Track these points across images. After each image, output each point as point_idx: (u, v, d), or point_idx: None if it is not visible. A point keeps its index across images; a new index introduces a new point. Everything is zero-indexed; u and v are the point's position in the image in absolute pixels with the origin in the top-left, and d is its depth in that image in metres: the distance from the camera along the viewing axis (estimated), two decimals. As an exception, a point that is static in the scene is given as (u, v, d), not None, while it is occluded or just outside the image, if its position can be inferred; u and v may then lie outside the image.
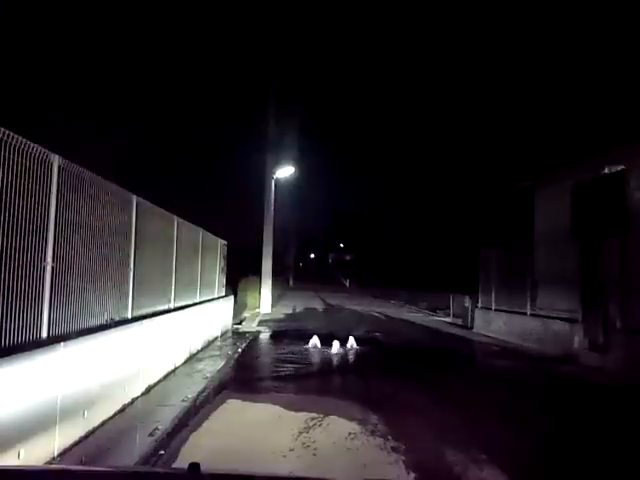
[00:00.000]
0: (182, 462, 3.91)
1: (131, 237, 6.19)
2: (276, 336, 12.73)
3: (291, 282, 44.09)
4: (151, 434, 4.85)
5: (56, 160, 4.29)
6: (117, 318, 5.71)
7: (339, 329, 13.40)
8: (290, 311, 20.63)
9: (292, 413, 5.63)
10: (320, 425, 5.21)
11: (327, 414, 5.53)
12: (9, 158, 3.62)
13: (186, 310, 8.70)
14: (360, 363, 9.70)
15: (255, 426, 5.19)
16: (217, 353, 9.73)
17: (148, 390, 6.31)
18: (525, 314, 12.47)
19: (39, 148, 4.01)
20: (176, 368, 7.77)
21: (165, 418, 5.38)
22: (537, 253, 12.43)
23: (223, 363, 8.69)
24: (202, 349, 9.70)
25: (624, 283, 8.83)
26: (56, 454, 4.01)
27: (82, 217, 4.85)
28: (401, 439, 4.84)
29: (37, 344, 3.95)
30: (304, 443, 4.66)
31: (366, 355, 10.34)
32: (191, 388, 6.72)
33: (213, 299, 11.71)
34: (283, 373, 8.13)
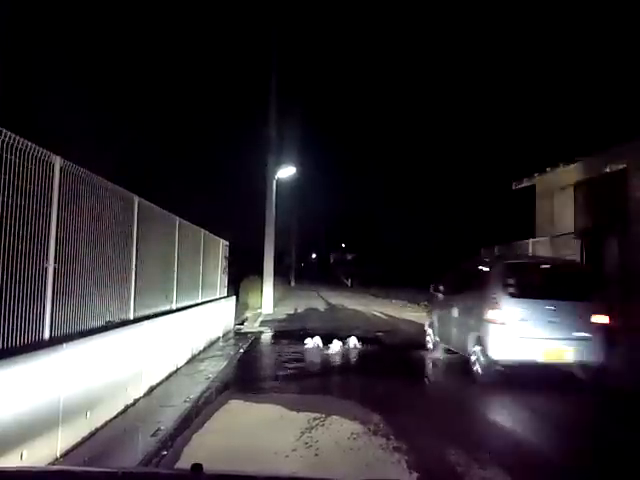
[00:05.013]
0: (185, 462, 3.91)
1: (133, 238, 6.20)
2: (278, 336, 12.72)
3: (293, 282, 44.07)
4: (154, 435, 4.85)
5: (58, 161, 4.30)
6: (119, 319, 5.73)
7: (341, 329, 13.39)
8: (292, 311, 20.63)
9: (294, 413, 5.63)
10: (322, 425, 5.21)
11: (329, 414, 5.53)
12: (11, 160, 3.63)
13: (188, 311, 8.71)
14: (362, 363, 9.70)
15: (257, 426, 5.19)
16: (219, 353, 9.74)
17: (150, 391, 6.31)
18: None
19: (41, 150, 4.02)
20: (178, 369, 7.77)
21: (167, 418, 5.39)
22: (538, 252, 12.42)
23: (225, 363, 8.70)
24: (204, 349, 9.70)
25: (625, 282, 8.82)
26: (59, 455, 4.02)
27: (84, 218, 4.86)
28: (403, 439, 4.83)
29: (39, 345, 3.97)
30: (306, 443, 4.66)
31: (368, 355, 10.34)
32: (193, 389, 6.72)
33: (215, 299, 11.72)
34: (285, 373, 8.13)
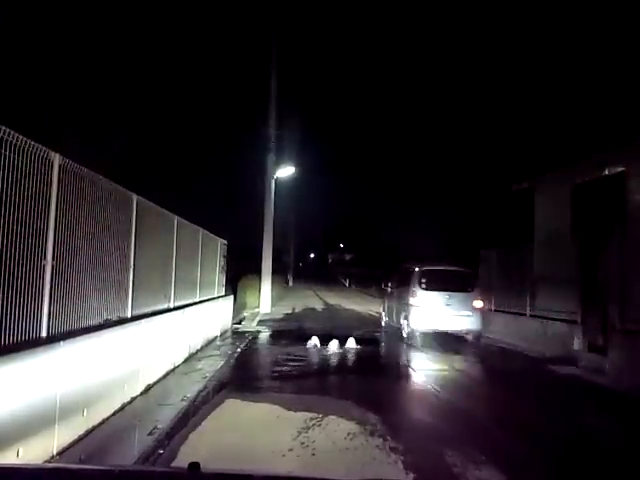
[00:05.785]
0: (181, 461, 3.91)
1: (131, 236, 6.20)
2: (276, 336, 12.73)
3: (291, 282, 43.99)
4: (150, 433, 4.85)
5: (57, 159, 4.30)
6: (116, 317, 5.72)
7: (338, 329, 13.39)
8: (289, 311, 20.62)
9: (291, 413, 5.63)
10: (319, 425, 5.21)
11: (326, 414, 5.53)
12: (10, 157, 3.63)
13: (186, 309, 8.70)
14: (359, 363, 9.71)
15: (254, 426, 5.20)
16: (216, 352, 9.73)
17: (147, 389, 6.31)
18: (524, 315, 12.47)
19: (40, 147, 4.01)
20: (175, 367, 7.77)
21: (164, 417, 5.39)
22: (536, 254, 12.43)
23: (222, 363, 8.69)
24: (202, 348, 9.70)
25: (623, 284, 8.83)
26: (55, 452, 4.01)
27: (82, 216, 4.85)
28: (400, 439, 4.84)
29: (37, 343, 3.96)
30: (303, 443, 4.67)
31: (365, 355, 10.36)
32: (190, 387, 6.72)
33: (213, 298, 11.71)
34: (282, 373, 8.13)
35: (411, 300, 12.00)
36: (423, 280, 12.08)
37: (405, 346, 11.74)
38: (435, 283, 12.02)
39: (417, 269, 12.48)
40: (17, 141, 3.70)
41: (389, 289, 14.81)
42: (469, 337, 12.03)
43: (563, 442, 5.27)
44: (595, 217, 10.52)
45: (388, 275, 15.90)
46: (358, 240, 75.71)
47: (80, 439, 4.42)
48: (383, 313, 15.45)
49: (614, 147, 10.11)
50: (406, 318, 12.24)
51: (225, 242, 13.46)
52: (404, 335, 12.31)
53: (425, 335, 12.05)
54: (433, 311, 11.70)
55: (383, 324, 15.17)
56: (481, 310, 12.12)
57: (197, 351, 9.32)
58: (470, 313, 11.79)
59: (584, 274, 10.28)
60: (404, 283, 12.87)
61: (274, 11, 19.72)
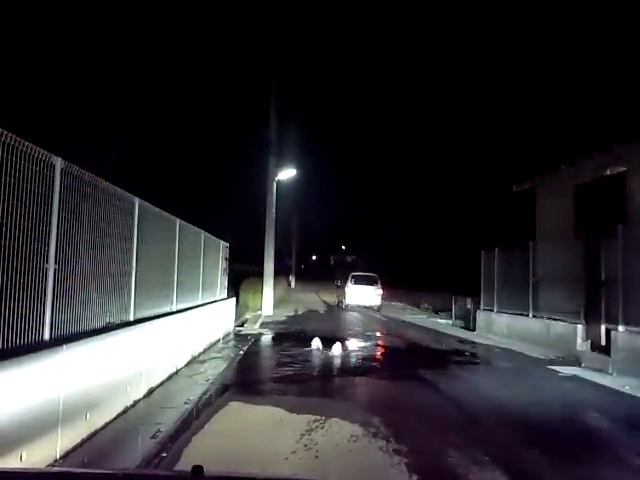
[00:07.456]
0: (184, 464, 3.91)
1: (133, 239, 6.20)
2: (278, 338, 12.72)
3: (293, 283, 44.00)
4: (153, 436, 4.85)
5: (58, 162, 4.30)
6: (119, 320, 5.73)
7: (341, 331, 13.40)
8: (292, 313, 20.61)
9: (294, 415, 5.62)
10: (322, 428, 5.20)
11: (329, 417, 5.52)
12: (12, 160, 3.64)
13: (188, 312, 8.70)
14: (362, 365, 9.68)
15: (257, 428, 5.19)
16: (219, 355, 9.73)
17: (150, 392, 6.31)
18: (527, 316, 12.45)
19: (42, 151, 4.02)
20: (178, 370, 7.77)
21: (167, 420, 5.38)
22: (539, 254, 12.42)
23: (225, 365, 8.69)
24: (204, 351, 9.69)
25: (626, 284, 8.82)
26: (58, 456, 4.01)
27: (84, 219, 4.86)
28: (403, 442, 4.83)
29: (39, 346, 3.96)
30: (306, 445, 4.66)
31: (367, 357, 10.34)
32: (193, 390, 6.72)
33: (215, 301, 11.70)
34: (285, 375, 8.11)
35: (346, 289, 23.88)
36: (353, 279, 24.00)
37: (345, 313, 21.83)
38: (359, 281, 23.87)
39: (351, 274, 24.46)
40: (19, 145, 3.71)
41: (338, 284, 26.76)
42: (374, 308, 23.04)
43: (564, 441, 5.26)
44: (597, 217, 10.52)
45: (339, 277, 27.56)
46: (360, 242, 75.59)
47: (83, 443, 4.41)
48: (336, 298, 26.75)
49: (615, 147, 10.11)
50: (344, 298, 24.09)
51: (227, 244, 13.46)
52: (342, 306, 24.04)
53: (352, 306, 23.22)
54: (357, 294, 23.42)
55: (335, 304, 25.88)
56: (381, 295, 23.67)
57: (200, 354, 9.32)
58: (375, 296, 23.44)
59: (587, 274, 10.27)
60: (344, 281, 24.72)
61: (275, 13, 19.75)
